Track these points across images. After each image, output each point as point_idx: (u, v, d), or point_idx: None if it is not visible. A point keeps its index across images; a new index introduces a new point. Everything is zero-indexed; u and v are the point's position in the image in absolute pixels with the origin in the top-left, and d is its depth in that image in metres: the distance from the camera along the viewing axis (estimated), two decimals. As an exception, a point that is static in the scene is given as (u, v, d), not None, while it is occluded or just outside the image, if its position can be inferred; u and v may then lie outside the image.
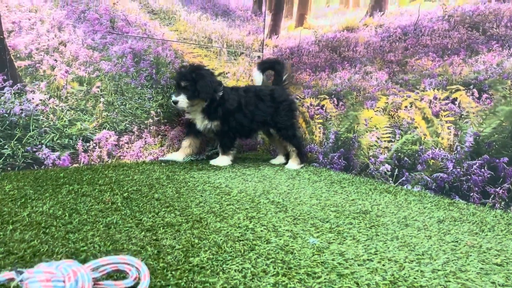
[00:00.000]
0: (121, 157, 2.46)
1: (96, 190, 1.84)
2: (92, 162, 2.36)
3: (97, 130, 2.34)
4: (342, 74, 2.59)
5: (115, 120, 2.42)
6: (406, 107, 2.26)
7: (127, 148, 2.49)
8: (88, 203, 1.63)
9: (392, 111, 2.32)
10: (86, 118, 2.31)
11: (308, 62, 2.81)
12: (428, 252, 1.34)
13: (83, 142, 2.31)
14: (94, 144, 2.35)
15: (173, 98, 2.36)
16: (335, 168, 2.63)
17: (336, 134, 2.62)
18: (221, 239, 1.33)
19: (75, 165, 2.30)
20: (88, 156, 2.34)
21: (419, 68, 2.20)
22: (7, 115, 2.04)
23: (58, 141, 2.22)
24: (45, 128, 2.17)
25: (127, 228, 1.38)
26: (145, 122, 2.56)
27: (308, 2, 2.83)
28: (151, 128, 2.59)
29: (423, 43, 2.18)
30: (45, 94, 2.15)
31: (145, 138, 2.57)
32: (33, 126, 2.13)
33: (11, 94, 2.04)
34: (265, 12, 3.11)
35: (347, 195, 2.02)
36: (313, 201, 1.88)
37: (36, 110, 2.13)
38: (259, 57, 3.12)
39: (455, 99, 2.05)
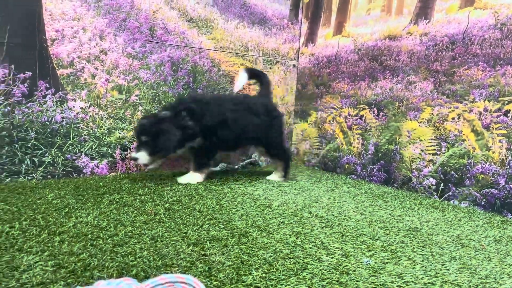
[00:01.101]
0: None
1: (137, 200, 1.81)
2: (129, 171, 2.35)
3: (134, 139, 2.33)
4: (383, 83, 2.51)
5: (152, 128, 2.40)
6: (453, 118, 2.16)
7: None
8: (131, 214, 1.61)
9: (437, 122, 2.23)
10: (124, 126, 2.31)
11: (347, 71, 2.74)
12: (491, 275, 1.25)
13: (121, 150, 2.30)
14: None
15: (132, 154, 2.11)
16: (374, 181, 2.55)
17: (376, 145, 2.54)
18: (270, 256, 1.28)
19: (112, 173, 2.29)
20: (126, 164, 2.33)
21: (467, 79, 2.10)
22: (48, 123, 2.05)
23: (97, 149, 2.22)
24: (85, 136, 2.17)
25: (174, 242, 1.35)
26: (181, 130, 2.53)
27: (348, 10, 2.77)
28: (187, 137, 2.57)
29: (473, 52, 2.09)
30: (85, 102, 2.16)
31: (181, 147, 2.54)
32: (73, 134, 2.13)
33: (53, 102, 2.05)
34: (302, 20, 3.07)
35: (392, 210, 1.93)
36: (358, 216, 1.81)
37: (76, 118, 2.13)
38: (294, 65, 3.08)
39: (508, 111, 1.95)
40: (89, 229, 1.40)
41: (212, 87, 2.64)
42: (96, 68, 2.17)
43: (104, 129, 2.23)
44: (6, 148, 1.94)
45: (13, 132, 1.96)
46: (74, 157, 2.15)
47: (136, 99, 2.33)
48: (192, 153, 2.29)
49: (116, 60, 2.23)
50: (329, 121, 2.85)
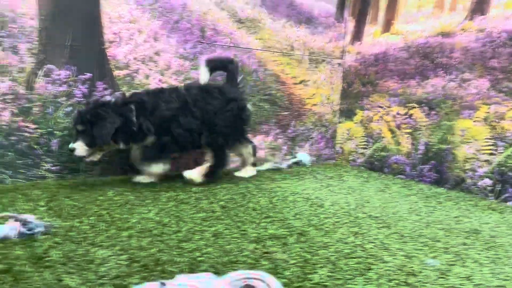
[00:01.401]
0: (206, 164, 2.48)
1: (192, 197, 1.86)
2: (179, 169, 2.40)
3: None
4: (435, 81, 2.45)
5: (201, 127, 2.45)
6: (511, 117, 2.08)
7: (212, 156, 2.51)
8: (188, 211, 1.65)
9: (494, 121, 2.15)
10: (176, 125, 2.36)
11: (395, 69, 2.69)
12: None
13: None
14: (182, 151, 2.39)
15: (70, 144, 1.90)
16: (424, 181, 2.49)
17: (427, 145, 2.48)
18: (332, 256, 1.28)
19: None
20: (177, 162, 2.38)
21: (528, 76, 2.03)
22: (106, 122, 2.13)
23: (150, 147, 2.28)
24: (139, 135, 2.24)
25: (234, 239, 1.37)
26: (229, 130, 2.57)
27: (396, 7, 2.72)
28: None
29: (534, 48, 2.01)
30: (140, 102, 2.22)
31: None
32: (129, 133, 2.20)
33: (110, 102, 2.13)
34: (348, 18, 3.03)
35: (448, 212, 1.89)
36: (414, 217, 1.78)
37: (131, 117, 2.20)
38: (339, 64, 3.05)
39: None
40: (153, 225, 1.45)
41: (257, 87, 2.66)
42: (150, 69, 2.23)
43: (156, 128, 2.29)
44: (67, 146, 2.03)
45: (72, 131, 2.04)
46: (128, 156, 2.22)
47: (187, 99, 2.38)
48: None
49: (168, 61, 2.28)
50: (376, 120, 2.81)
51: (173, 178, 2.17)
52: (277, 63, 2.74)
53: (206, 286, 0.83)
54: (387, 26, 2.78)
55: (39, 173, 1.98)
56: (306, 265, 1.19)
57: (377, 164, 2.80)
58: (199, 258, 1.19)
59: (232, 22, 2.52)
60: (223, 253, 1.24)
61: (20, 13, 1.86)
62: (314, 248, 1.33)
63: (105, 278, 1.04)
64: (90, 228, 1.38)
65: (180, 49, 2.32)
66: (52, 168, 2.01)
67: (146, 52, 2.21)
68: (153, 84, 2.24)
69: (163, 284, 0.83)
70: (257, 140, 2.70)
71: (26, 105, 1.92)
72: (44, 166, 1.99)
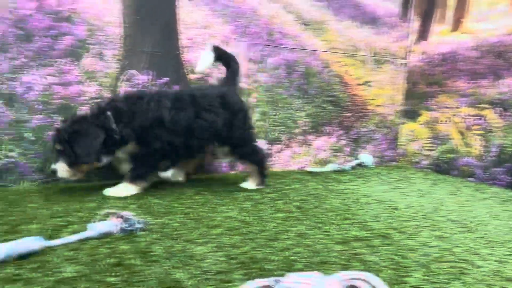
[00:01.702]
0: (272, 166, 2.53)
1: (266, 198, 1.90)
2: (247, 170, 2.46)
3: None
4: (510, 81, 2.36)
5: (268, 129, 2.50)
6: None
7: (277, 157, 2.55)
8: (267, 211, 1.69)
9: None
10: (244, 127, 2.42)
11: (465, 68, 2.62)
12: None
13: (240, 150, 2.41)
14: (249, 152, 2.44)
15: (52, 166, 1.77)
16: (498, 184, 2.41)
17: (501, 147, 2.39)
18: (422, 259, 1.27)
19: (231, 172, 2.42)
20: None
21: None
22: (180, 124, 2.22)
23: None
24: (210, 136, 2.31)
25: (319, 239, 1.40)
26: (293, 131, 2.60)
27: (466, 5, 2.64)
28: (298, 137, 2.63)
29: None
30: (211, 105, 2.30)
31: (293, 148, 2.61)
32: (200, 134, 2.28)
33: (184, 105, 2.21)
34: (412, 18, 2.98)
35: (531, 217, 1.82)
36: (495, 221, 1.73)
37: (203, 119, 2.28)
38: (403, 64, 3.00)
39: None
40: (238, 224, 1.50)
41: (322, 88, 2.68)
42: (221, 73, 2.30)
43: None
44: (146, 147, 2.14)
45: (152, 132, 2.14)
46: (200, 156, 2.30)
47: (255, 101, 2.44)
48: (130, 160, 1.88)
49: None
50: (443, 121, 2.75)
51: (241, 178, 2.22)
52: (341, 64, 2.74)
53: (318, 284, 0.86)
54: (456, 24, 2.70)
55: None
56: (399, 268, 1.19)
57: (444, 167, 2.73)
58: (291, 257, 1.23)
59: (298, 25, 2.55)
60: (312, 253, 1.27)
61: (107, 22, 1.98)
62: (402, 251, 1.33)
63: (209, 274, 1.09)
64: (181, 226, 1.45)
65: (249, 52, 2.38)
66: (132, 167, 2.12)
67: (217, 56, 2.28)
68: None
69: (277, 281, 0.87)
70: (320, 141, 2.71)
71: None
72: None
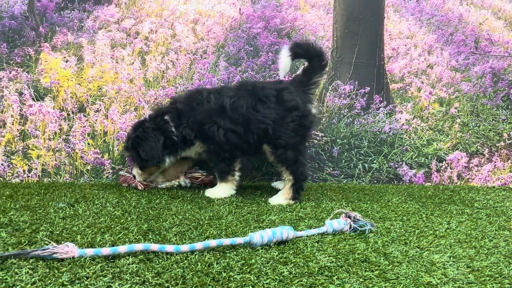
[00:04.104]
0: (469, 180, 2.39)
1: (479, 213, 1.81)
2: (443, 183, 2.37)
3: (450, 151, 2.34)
4: None
5: (468, 141, 2.37)
6: None
7: (476, 171, 2.40)
8: (488, 226, 1.61)
9: None
10: (442, 138, 2.34)
11: None
12: None
13: (436, 161, 2.34)
14: (446, 165, 2.35)
15: (132, 171, 1.96)
16: None
17: None
18: None
19: (427, 183, 2.36)
20: (440, 176, 2.36)
21: None
22: (378, 133, 2.26)
23: (416, 159, 2.32)
24: (407, 146, 2.30)
25: None
26: (496, 144, 2.41)
27: None
28: (502, 151, 2.42)
29: None
30: (410, 114, 2.29)
31: (495, 162, 2.42)
32: (397, 144, 2.29)
33: (383, 114, 2.25)
34: None
35: None
36: None
37: (401, 129, 2.28)
38: None
39: None
40: (465, 237, 1.46)
41: None
42: (422, 82, 2.28)
43: (423, 140, 2.32)
44: (345, 154, 2.24)
45: (352, 140, 2.23)
46: (396, 165, 2.30)
47: (455, 112, 2.34)
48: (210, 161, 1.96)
49: (440, 74, 2.29)
50: None
51: (443, 190, 2.15)
52: (558, 72, 2.44)
53: None
54: None
55: (322, 176, 2.24)
56: None
57: None
58: None
59: (508, 31, 2.36)
60: None
61: (319, 36, 2.15)
62: None
63: (458, 282, 1.10)
64: (404, 232, 1.48)
65: (452, 61, 2.30)
66: (333, 172, 2.24)
67: (419, 66, 2.26)
68: (423, 96, 2.28)
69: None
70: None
71: (317, 116, 2.19)
72: (326, 170, 2.23)
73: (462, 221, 1.67)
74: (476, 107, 2.37)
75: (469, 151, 2.38)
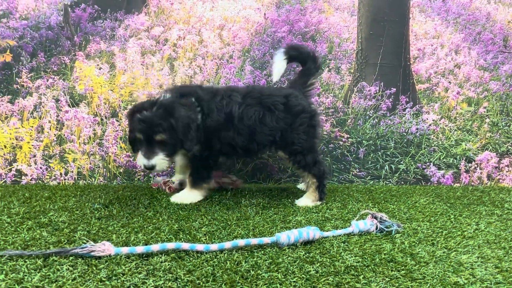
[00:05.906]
0: (500, 180, 2.34)
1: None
2: (472, 183, 2.34)
3: (479, 151, 2.30)
4: None
5: (497, 141, 2.32)
6: None
7: (507, 171, 2.35)
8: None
9: None
10: (471, 138, 2.31)
11: None
12: None
13: (465, 162, 2.31)
14: (476, 165, 2.32)
15: (145, 162, 1.60)
16: None
17: None
18: None
19: (456, 184, 2.33)
20: (469, 176, 2.33)
21: None
22: (405, 134, 2.25)
23: (444, 160, 2.30)
24: (434, 147, 2.28)
25: None
26: (529, 144, 2.36)
27: None
28: (534, 151, 2.37)
29: None
30: (437, 115, 2.27)
31: (527, 162, 2.36)
32: (425, 144, 2.27)
33: (410, 114, 2.24)
34: None
35: None
36: None
37: (428, 129, 2.27)
38: None
39: None
40: (493, 238, 1.45)
41: None
42: (450, 82, 2.25)
43: (451, 141, 2.30)
44: (372, 155, 2.24)
45: (378, 141, 2.23)
46: (423, 166, 2.29)
47: (484, 111, 2.30)
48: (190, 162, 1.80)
49: (468, 73, 2.26)
50: None
51: (472, 191, 2.12)
52: None
53: None
54: None
55: (348, 177, 2.24)
56: None
57: None
58: None
59: (540, 27, 2.31)
60: None
61: (344, 38, 2.17)
62: None
63: (486, 282, 1.10)
64: (431, 233, 1.48)
65: (481, 60, 2.27)
66: (359, 173, 2.25)
67: (446, 66, 2.24)
68: (451, 96, 2.26)
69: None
70: None
71: (343, 117, 2.21)
72: (352, 171, 2.24)
73: (492, 222, 1.65)
74: (506, 107, 2.32)
75: (499, 151, 2.33)
